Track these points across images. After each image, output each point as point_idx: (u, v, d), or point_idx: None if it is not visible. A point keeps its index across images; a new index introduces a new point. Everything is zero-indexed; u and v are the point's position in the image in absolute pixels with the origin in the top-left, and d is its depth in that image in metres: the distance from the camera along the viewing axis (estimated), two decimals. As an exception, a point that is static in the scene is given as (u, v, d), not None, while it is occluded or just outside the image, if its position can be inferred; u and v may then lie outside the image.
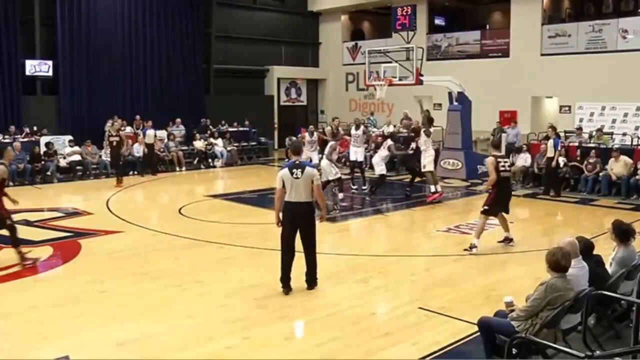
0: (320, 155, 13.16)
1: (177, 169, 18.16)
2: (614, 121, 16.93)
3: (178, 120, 19.73)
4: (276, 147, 23.09)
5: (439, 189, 12.51)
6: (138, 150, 17.27)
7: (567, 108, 18.09)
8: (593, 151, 13.95)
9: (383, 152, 13.38)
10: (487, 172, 9.34)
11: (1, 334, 5.76)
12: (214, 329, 5.81)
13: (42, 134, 17.21)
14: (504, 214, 8.85)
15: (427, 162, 12.30)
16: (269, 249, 7.22)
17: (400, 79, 16.03)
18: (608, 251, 5.79)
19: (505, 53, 19.73)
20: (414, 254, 8.95)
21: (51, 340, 5.59)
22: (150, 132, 17.22)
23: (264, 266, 7.62)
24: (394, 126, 18.52)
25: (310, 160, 13.09)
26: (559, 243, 4.80)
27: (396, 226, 11.11)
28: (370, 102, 23.01)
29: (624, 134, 15.70)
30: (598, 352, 4.18)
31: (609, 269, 5.49)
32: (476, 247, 8.52)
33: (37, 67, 18.31)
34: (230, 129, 20.86)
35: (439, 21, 23.40)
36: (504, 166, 8.67)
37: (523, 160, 14.95)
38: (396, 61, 16.12)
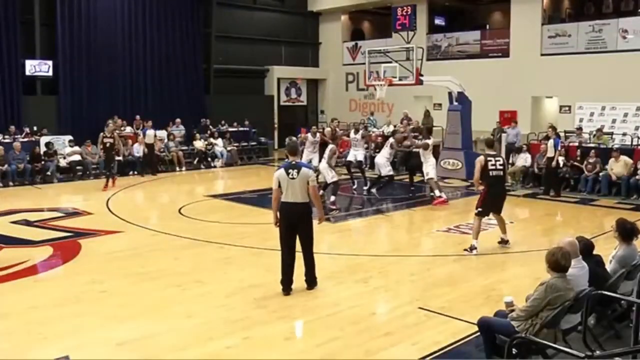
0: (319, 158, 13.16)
1: (177, 169, 18.16)
2: (614, 121, 16.93)
3: (178, 120, 19.73)
4: (276, 147, 23.08)
5: (444, 195, 12.47)
6: (138, 150, 17.28)
7: (567, 108, 18.09)
8: (593, 151, 13.96)
9: (386, 151, 13.36)
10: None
11: (1, 334, 5.76)
12: (214, 329, 5.81)
13: (42, 134, 17.21)
14: (502, 215, 8.76)
15: (429, 169, 12.24)
16: (269, 249, 7.23)
17: (400, 79, 16.04)
18: (608, 251, 5.79)
19: (505, 53, 19.73)
20: (414, 254, 8.94)
21: (51, 340, 5.59)
22: (150, 132, 17.21)
23: (264, 266, 7.62)
24: (394, 126, 18.52)
25: (310, 162, 13.10)
26: (559, 243, 4.80)
27: (396, 226, 11.12)
28: (370, 102, 23.01)
29: (624, 134, 15.70)
30: (598, 352, 4.18)
31: (609, 266, 5.49)
32: (476, 248, 8.50)
33: (37, 67, 18.31)
34: (230, 129, 20.87)
35: (439, 21, 23.39)
36: (494, 165, 8.48)
37: (523, 160, 14.95)
38: (396, 61, 16.13)
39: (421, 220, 11.38)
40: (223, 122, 21.15)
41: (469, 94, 16.21)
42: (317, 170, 12.39)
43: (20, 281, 7.41)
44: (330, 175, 11.84)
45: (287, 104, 25.15)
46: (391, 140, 13.47)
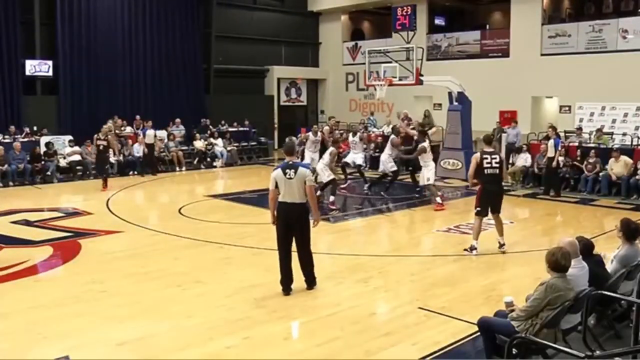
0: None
1: (177, 169, 18.16)
2: (614, 121, 16.92)
3: (178, 120, 19.73)
4: (276, 147, 23.07)
5: (440, 200, 12.44)
6: (138, 150, 17.28)
7: (567, 108, 18.08)
8: (593, 151, 13.96)
9: (389, 149, 13.37)
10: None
11: (1, 334, 5.75)
12: (214, 329, 5.80)
13: (42, 134, 17.22)
14: (501, 217, 8.63)
15: (430, 175, 12.11)
16: (269, 249, 7.23)
17: (400, 79, 16.04)
18: (609, 251, 5.80)
19: (505, 53, 19.73)
20: (414, 254, 8.94)
21: (51, 340, 5.59)
22: (150, 132, 17.20)
23: (264, 266, 7.62)
24: (393, 127, 18.51)
25: (312, 161, 13.12)
26: (559, 243, 4.80)
27: (396, 226, 11.12)
28: (370, 102, 23.01)
29: (624, 134, 15.70)
30: (598, 352, 4.18)
31: (611, 265, 5.49)
32: (476, 248, 8.48)
33: (37, 67, 18.32)
34: (230, 129, 20.87)
35: (439, 21, 23.39)
36: (489, 163, 8.27)
37: (523, 160, 14.95)
38: (396, 61, 16.13)
39: (421, 220, 11.38)
40: (223, 122, 21.16)
41: (469, 94, 16.21)
42: (314, 171, 12.42)
43: (20, 281, 7.41)
44: (325, 175, 11.86)
45: (287, 104, 25.15)
46: (392, 137, 13.52)
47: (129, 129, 18.68)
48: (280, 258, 6.78)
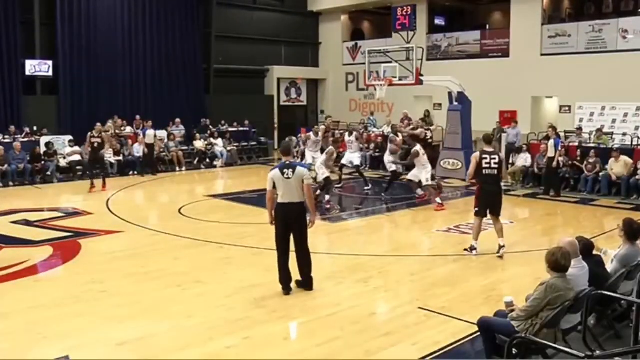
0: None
1: (177, 169, 18.16)
2: (614, 121, 16.92)
3: (178, 120, 19.73)
4: (276, 147, 23.01)
5: (420, 192, 12.42)
6: (138, 150, 17.28)
7: (567, 108, 18.08)
8: (593, 151, 13.96)
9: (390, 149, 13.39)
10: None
11: (1, 334, 5.75)
12: (214, 329, 5.80)
13: (42, 134, 17.22)
14: (500, 219, 8.52)
15: (429, 176, 12.09)
16: (269, 249, 7.23)
17: (400, 79, 16.05)
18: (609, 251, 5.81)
19: (505, 53, 19.73)
20: (414, 254, 8.94)
21: (51, 340, 5.59)
22: (150, 132, 17.20)
23: (264, 266, 7.61)
24: (392, 126, 18.52)
25: (314, 160, 13.16)
26: (559, 243, 4.80)
27: (396, 226, 11.12)
28: (370, 102, 23.01)
29: (624, 134, 15.70)
30: (598, 352, 4.18)
31: (611, 265, 5.49)
32: (476, 249, 8.47)
33: (37, 67, 18.32)
34: (230, 129, 20.87)
35: (439, 21, 23.39)
36: (489, 163, 8.19)
37: (523, 160, 14.95)
38: (396, 61, 16.13)
39: (421, 220, 11.37)
40: (223, 122, 21.15)
41: (469, 94, 16.21)
42: (312, 170, 12.48)
43: (20, 281, 7.41)
44: (321, 173, 11.90)
45: (287, 104, 25.15)
46: (391, 136, 13.54)
47: (129, 129, 18.68)
48: (279, 257, 6.77)
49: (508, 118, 18.08)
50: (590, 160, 13.80)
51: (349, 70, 24.56)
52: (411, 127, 15.58)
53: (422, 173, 12.04)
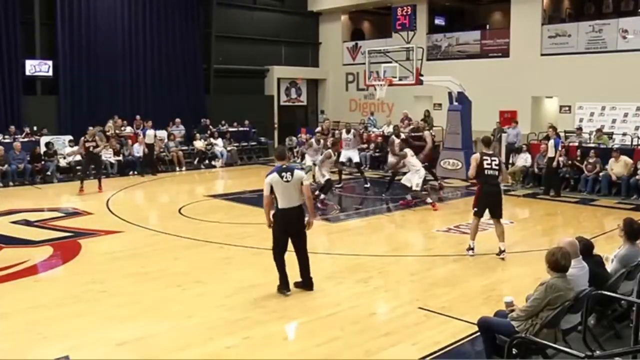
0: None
1: (177, 169, 18.16)
2: (614, 121, 16.91)
3: (178, 120, 19.73)
4: (276, 147, 23.06)
5: (409, 197, 12.40)
6: (138, 150, 17.28)
7: (567, 108, 18.08)
8: (593, 151, 13.96)
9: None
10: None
11: (1, 334, 5.75)
12: (214, 329, 5.81)
13: (42, 134, 17.22)
14: (501, 221, 8.48)
15: (420, 182, 12.02)
16: (269, 249, 7.21)
17: (400, 79, 16.06)
18: (609, 252, 5.79)
19: (505, 53, 19.72)
20: (414, 254, 8.95)
21: (51, 340, 5.59)
22: (150, 132, 17.21)
23: (264, 266, 7.60)
24: (394, 126, 18.52)
25: (314, 163, 13.18)
26: (559, 243, 4.80)
27: (396, 226, 11.12)
28: (370, 102, 23.00)
29: (624, 134, 15.70)
30: (598, 352, 4.18)
31: (611, 265, 5.49)
32: (472, 248, 8.46)
33: (37, 67, 18.31)
34: (230, 129, 20.88)
35: (439, 21, 23.38)
36: (489, 164, 8.22)
37: (523, 160, 14.96)
38: (396, 61, 16.14)
39: (421, 220, 11.37)
40: (223, 122, 21.16)
41: (469, 94, 16.22)
42: (311, 169, 12.51)
43: (20, 281, 7.41)
44: (320, 174, 11.95)
45: (287, 104, 25.14)
46: (391, 137, 13.57)
47: (129, 129, 18.68)
48: (275, 258, 6.77)
49: (508, 118, 18.08)
50: (590, 160, 13.80)
51: (349, 70, 24.55)
52: (411, 127, 15.57)
53: (414, 177, 11.99)
